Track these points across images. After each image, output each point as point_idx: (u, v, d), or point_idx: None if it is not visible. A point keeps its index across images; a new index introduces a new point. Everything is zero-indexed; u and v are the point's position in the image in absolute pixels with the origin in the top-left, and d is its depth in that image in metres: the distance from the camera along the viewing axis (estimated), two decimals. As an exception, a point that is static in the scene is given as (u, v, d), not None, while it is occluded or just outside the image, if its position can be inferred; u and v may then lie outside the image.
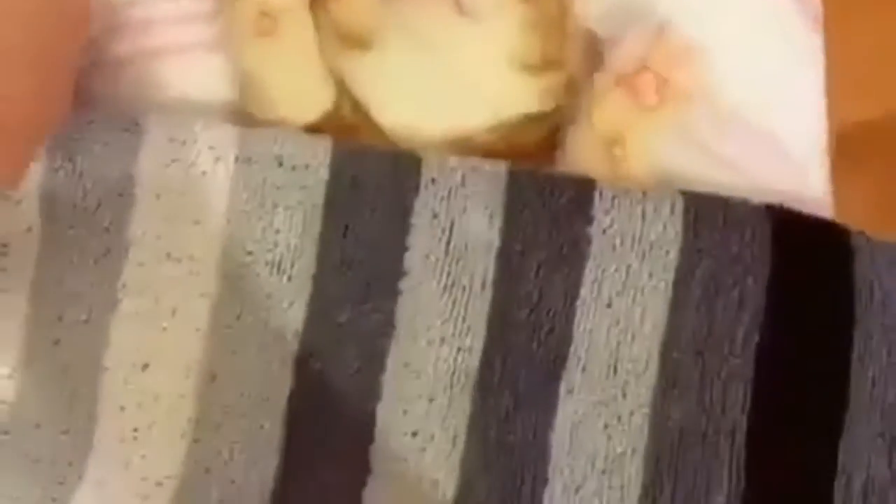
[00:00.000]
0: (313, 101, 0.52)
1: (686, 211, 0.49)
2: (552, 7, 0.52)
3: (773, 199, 0.51)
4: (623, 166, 0.52)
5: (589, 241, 0.48)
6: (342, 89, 0.52)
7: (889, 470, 0.48)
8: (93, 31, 0.54)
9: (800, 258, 0.50)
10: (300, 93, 0.52)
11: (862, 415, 0.48)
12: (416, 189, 0.48)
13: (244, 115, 0.52)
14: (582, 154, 0.52)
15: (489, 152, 0.51)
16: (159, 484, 0.47)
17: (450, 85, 0.51)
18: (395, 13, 0.51)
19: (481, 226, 0.48)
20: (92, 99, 0.53)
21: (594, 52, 0.53)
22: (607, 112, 0.51)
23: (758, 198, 0.51)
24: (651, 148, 0.53)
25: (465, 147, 0.51)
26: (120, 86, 0.53)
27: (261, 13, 0.50)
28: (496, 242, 0.48)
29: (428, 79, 0.51)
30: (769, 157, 0.55)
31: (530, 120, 0.52)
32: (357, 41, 0.51)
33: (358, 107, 0.52)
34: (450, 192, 0.48)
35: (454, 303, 0.48)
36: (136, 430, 0.48)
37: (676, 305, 0.48)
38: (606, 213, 0.49)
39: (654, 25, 0.52)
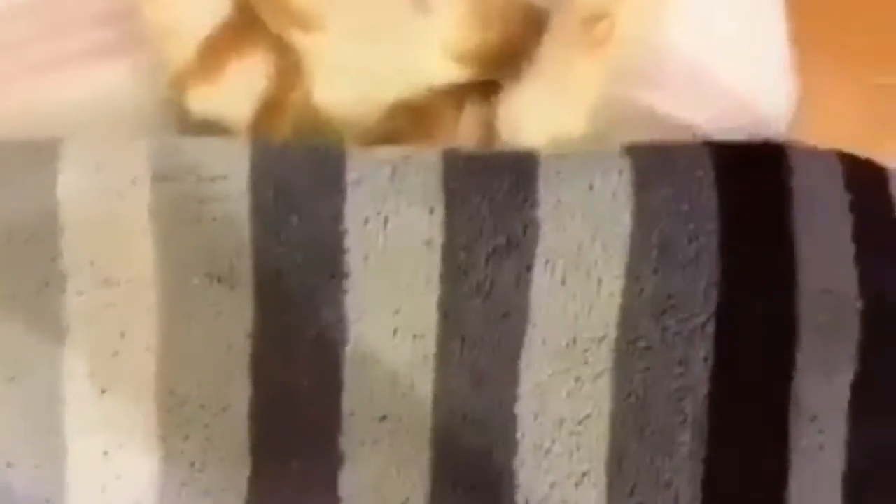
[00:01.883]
0: (204, 12, 0.51)
1: (633, 173, 0.48)
2: None
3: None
4: (604, 47, 0.49)
5: (537, 225, 0.47)
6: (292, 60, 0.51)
7: (828, 391, 0.49)
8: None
9: (745, 193, 0.49)
10: (188, 2, 0.51)
11: (810, 349, 0.49)
12: (342, 193, 0.47)
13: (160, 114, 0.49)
14: (555, 49, 0.50)
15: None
16: (138, 503, 0.48)
17: (384, 70, 0.51)
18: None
19: (420, 223, 0.47)
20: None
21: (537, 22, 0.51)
22: None
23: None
24: (639, 27, 0.50)
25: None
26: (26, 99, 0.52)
27: None
28: (439, 239, 0.47)
29: (365, 63, 0.50)
30: (725, 106, 0.54)
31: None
32: (301, 21, 0.50)
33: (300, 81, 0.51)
34: (378, 193, 0.47)
35: (402, 297, 0.48)
36: (105, 452, 0.48)
37: (633, 271, 0.48)
38: (552, 192, 0.47)
39: None
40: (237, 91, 0.51)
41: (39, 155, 0.48)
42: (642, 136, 0.52)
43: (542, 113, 0.50)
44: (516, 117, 0.50)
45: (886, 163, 0.53)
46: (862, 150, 0.54)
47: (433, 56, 0.51)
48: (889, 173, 0.52)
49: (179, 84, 0.51)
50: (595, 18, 0.48)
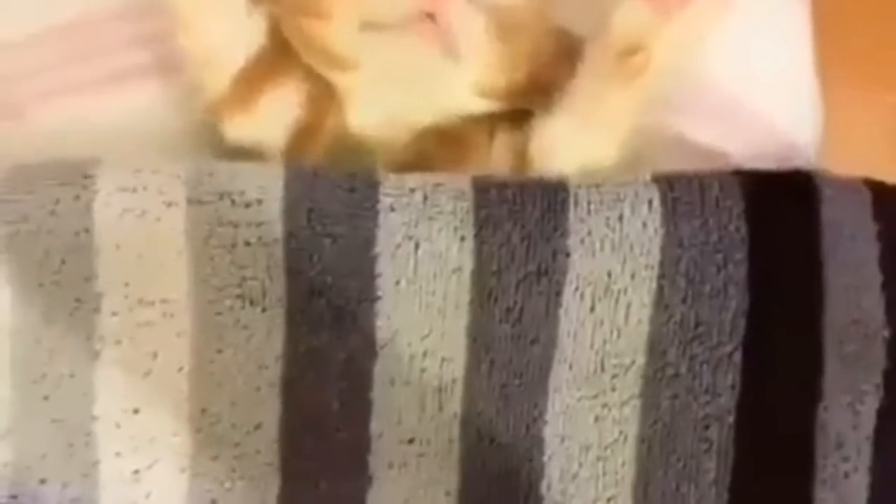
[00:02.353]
0: (241, 36, 0.52)
1: (663, 203, 0.48)
2: (526, 43, 0.52)
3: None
4: (638, 79, 0.49)
5: (567, 254, 0.48)
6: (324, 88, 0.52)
7: (854, 419, 0.49)
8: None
9: (773, 224, 0.50)
10: (224, 34, 0.52)
11: (836, 378, 0.49)
12: (375, 220, 0.48)
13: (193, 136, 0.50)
14: (589, 81, 0.51)
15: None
16: None
17: (415, 102, 0.52)
18: (376, 44, 0.51)
19: (451, 249, 0.48)
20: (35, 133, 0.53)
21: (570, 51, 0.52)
22: (625, 21, 0.49)
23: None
24: (673, 60, 0.50)
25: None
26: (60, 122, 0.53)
27: None
28: (469, 265, 0.48)
29: (396, 97, 0.52)
30: (755, 133, 0.55)
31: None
32: (337, 63, 0.52)
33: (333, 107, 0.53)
34: (411, 220, 0.48)
35: (431, 321, 0.48)
36: (136, 471, 0.49)
37: (661, 300, 0.49)
38: (583, 221, 0.48)
39: None
40: (271, 119, 0.53)
41: (75, 176, 0.48)
42: (672, 161, 0.53)
43: (574, 143, 0.51)
44: (549, 146, 0.51)
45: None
46: (886, 169, 0.54)
47: (463, 93, 0.52)
48: None
49: (215, 112, 0.52)
50: (631, 51, 0.48)
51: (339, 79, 0.53)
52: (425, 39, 0.50)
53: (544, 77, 0.52)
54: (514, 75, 0.52)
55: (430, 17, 0.49)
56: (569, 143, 0.51)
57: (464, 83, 0.52)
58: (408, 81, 0.52)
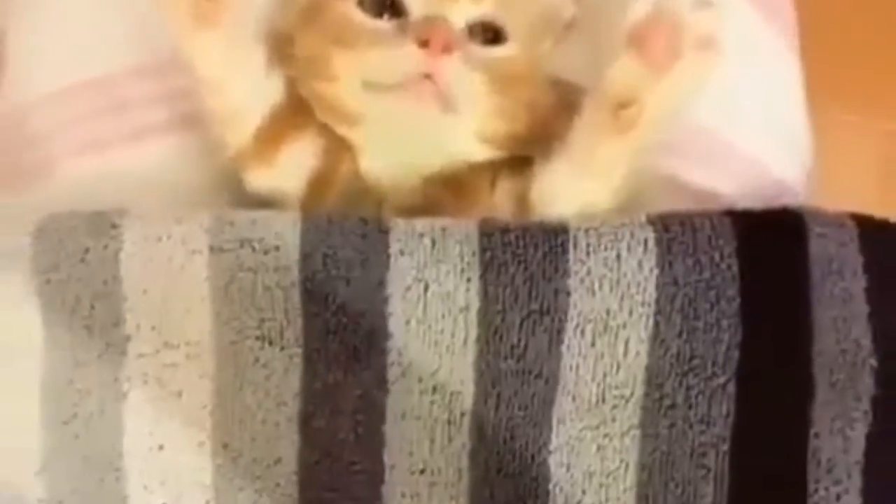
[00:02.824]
0: (261, 96, 0.55)
1: (658, 243, 0.50)
2: (524, 92, 0.55)
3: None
4: (632, 131, 0.52)
5: (568, 293, 0.50)
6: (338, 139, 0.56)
7: (844, 445, 0.51)
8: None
9: (764, 260, 0.52)
10: (245, 94, 0.55)
11: (826, 405, 0.51)
12: (387, 264, 0.50)
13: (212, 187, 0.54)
14: (585, 132, 0.53)
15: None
16: None
17: (420, 151, 0.55)
18: (380, 101, 0.54)
19: (458, 290, 0.50)
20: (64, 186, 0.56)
21: (567, 100, 0.54)
22: (619, 76, 0.51)
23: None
24: (666, 111, 0.52)
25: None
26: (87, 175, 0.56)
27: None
28: (475, 305, 0.50)
29: (402, 147, 0.55)
30: (746, 174, 0.57)
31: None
32: (346, 119, 0.55)
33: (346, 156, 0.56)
34: (420, 263, 0.50)
35: (440, 358, 0.51)
36: (163, 504, 0.51)
37: (658, 335, 0.51)
38: (582, 263, 0.50)
39: None
40: (290, 170, 0.55)
41: (103, 227, 0.51)
42: (667, 201, 0.55)
43: (573, 189, 0.53)
44: (549, 192, 0.54)
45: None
46: (878, 196, 0.57)
47: (465, 141, 0.55)
48: None
49: (237, 164, 0.55)
50: (625, 104, 0.51)
51: (349, 132, 0.56)
52: (424, 99, 0.52)
53: (543, 126, 0.55)
54: (514, 124, 0.55)
55: (429, 77, 0.52)
56: (567, 190, 0.53)
57: (466, 132, 0.55)
58: (412, 134, 0.55)
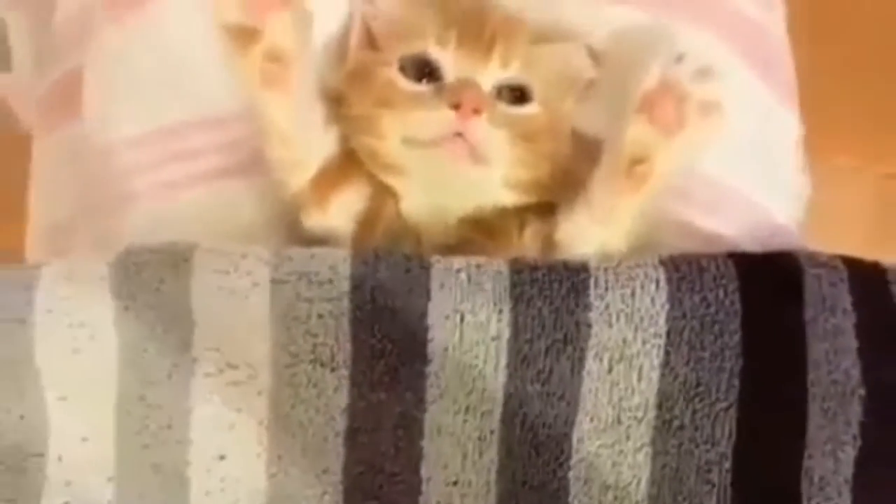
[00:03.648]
0: (319, 147, 0.60)
1: (669, 282, 0.55)
2: (546, 144, 0.60)
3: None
4: (645, 185, 0.57)
5: (589, 325, 0.55)
6: (384, 186, 0.61)
7: (835, 465, 0.55)
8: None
9: (763, 298, 0.56)
10: (306, 146, 0.60)
11: (819, 430, 0.55)
12: (428, 295, 0.55)
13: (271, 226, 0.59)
14: (603, 185, 0.59)
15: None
16: None
17: (454, 197, 0.61)
18: (420, 155, 0.59)
19: (491, 321, 0.55)
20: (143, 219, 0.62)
21: (587, 151, 0.60)
22: (632, 137, 0.57)
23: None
24: (676, 167, 0.58)
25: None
26: (164, 210, 0.61)
27: (267, 58, 0.56)
28: (506, 334, 0.55)
29: (439, 193, 0.60)
30: (749, 219, 0.62)
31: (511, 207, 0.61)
32: (390, 171, 0.61)
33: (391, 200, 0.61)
34: (457, 296, 0.55)
35: (473, 381, 0.55)
36: (224, 512, 0.56)
37: (668, 363, 0.55)
38: (602, 298, 0.55)
39: (673, 53, 0.57)
40: (341, 213, 0.61)
41: (177, 260, 0.55)
42: (675, 241, 0.60)
43: (592, 233, 0.58)
44: (572, 235, 0.59)
45: (890, 264, 0.59)
46: (875, 237, 0.61)
47: (494, 187, 0.60)
48: (890, 274, 0.58)
49: (296, 206, 0.61)
50: (637, 161, 0.56)
51: (393, 181, 0.61)
52: (457, 154, 0.58)
53: (564, 174, 0.61)
54: (536, 172, 0.60)
55: (460, 135, 0.58)
56: (587, 234, 0.59)
57: (495, 179, 0.60)
58: (447, 183, 0.60)
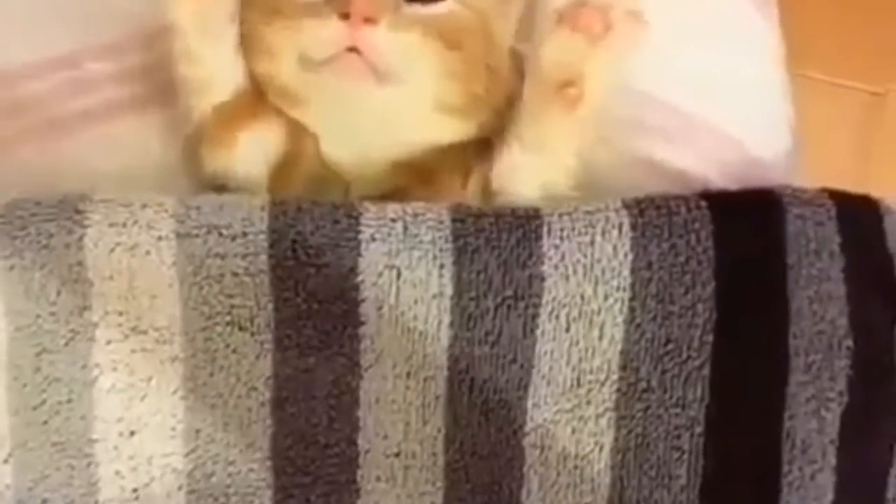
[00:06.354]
0: (229, 71, 0.54)
1: (633, 228, 0.51)
2: (476, 48, 0.53)
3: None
4: (578, 107, 0.52)
5: (542, 279, 0.50)
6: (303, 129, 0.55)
7: (819, 425, 0.52)
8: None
9: (739, 243, 0.52)
10: (218, 65, 0.54)
11: (801, 387, 0.52)
12: (358, 249, 0.50)
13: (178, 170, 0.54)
14: (532, 112, 0.53)
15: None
16: None
17: (374, 134, 0.54)
18: (316, 79, 0.52)
19: (431, 277, 0.50)
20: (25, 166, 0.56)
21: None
22: (555, 53, 0.51)
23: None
24: (607, 83, 0.52)
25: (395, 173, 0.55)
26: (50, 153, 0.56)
27: None
28: (448, 291, 0.50)
29: (353, 130, 0.54)
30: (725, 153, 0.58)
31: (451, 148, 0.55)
32: (286, 100, 0.54)
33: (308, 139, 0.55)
34: (392, 249, 0.50)
35: (413, 343, 0.51)
36: (135, 490, 0.52)
37: (633, 319, 0.51)
38: (556, 248, 0.50)
39: None
40: (252, 156, 0.55)
41: (67, 212, 0.50)
42: (640, 180, 0.55)
43: (528, 168, 0.53)
44: (507, 172, 0.53)
45: (881, 197, 0.54)
46: (857, 158, 0.56)
47: (421, 112, 0.54)
48: (882, 209, 0.54)
49: (197, 141, 0.54)
50: (566, 83, 0.51)
51: (301, 115, 0.55)
52: (353, 74, 0.51)
53: (508, 94, 0.54)
54: (470, 84, 0.54)
55: (354, 50, 0.51)
56: (522, 168, 0.53)
57: (419, 101, 0.53)
58: (352, 111, 0.53)
